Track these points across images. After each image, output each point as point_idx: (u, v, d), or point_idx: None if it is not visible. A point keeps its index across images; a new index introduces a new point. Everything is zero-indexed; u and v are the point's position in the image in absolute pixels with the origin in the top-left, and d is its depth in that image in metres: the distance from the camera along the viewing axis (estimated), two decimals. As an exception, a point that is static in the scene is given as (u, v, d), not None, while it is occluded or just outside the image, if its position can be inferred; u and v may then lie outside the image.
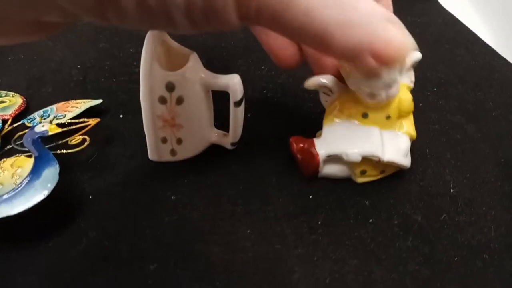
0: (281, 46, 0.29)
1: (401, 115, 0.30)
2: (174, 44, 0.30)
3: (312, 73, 0.30)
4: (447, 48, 0.45)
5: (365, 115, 0.30)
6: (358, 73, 0.27)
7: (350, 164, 0.31)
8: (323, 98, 0.32)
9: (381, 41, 0.22)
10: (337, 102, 0.31)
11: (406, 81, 0.31)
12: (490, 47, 0.45)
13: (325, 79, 0.30)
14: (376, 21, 0.23)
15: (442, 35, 0.46)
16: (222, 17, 0.20)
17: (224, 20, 0.20)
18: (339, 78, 0.30)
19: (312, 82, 0.30)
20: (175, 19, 0.20)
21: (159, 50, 0.29)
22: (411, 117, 0.31)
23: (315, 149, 0.30)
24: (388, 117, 0.30)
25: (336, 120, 0.30)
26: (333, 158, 0.30)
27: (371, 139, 0.30)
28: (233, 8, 0.20)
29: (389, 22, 0.23)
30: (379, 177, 0.32)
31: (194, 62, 0.29)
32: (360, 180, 0.31)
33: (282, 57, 0.30)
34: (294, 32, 0.22)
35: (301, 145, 0.31)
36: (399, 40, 0.23)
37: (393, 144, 0.30)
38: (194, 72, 0.29)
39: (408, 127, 0.31)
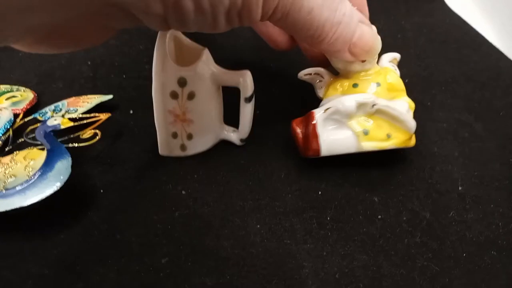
0: (276, 34, 0.34)
1: (392, 89, 0.31)
2: (186, 40, 0.31)
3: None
4: (454, 48, 0.45)
5: (355, 85, 0.31)
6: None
7: (351, 124, 0.30)
8: (317, 87, 0.34)
9: (357, 39, 0.28)
10: (330, 82, 0.33)
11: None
12: (496, 48, 0.45)
13: (314, 69, 0.33)
14: (355, 23, 0.28)
15: (449, 35, 0.46)
16: (251, 16, 0.23)
17: (252, 18, 0.24)
18: (325, 63, 0.33)
19: (305, 71, 0.33)
20: (218, 19, 0.23)
21: (171, 46, 0.30)
22: (406, 97, 0.32)
23: (313, 117, 0.30)
24: (378, 85, 0.31)
25: (331, 95, 0.32)
26: (333, 123, 0.30)
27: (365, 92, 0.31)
28: (261, 8, 0.23)
29: (362, 22, 0.29)
30: (386, 144, 0.30)
31: (206, 58, 0.30)
32: (366, 145, 0.30)
33: (279, 42, 0.35)
34: (297, 27, 0.26)
35: (300, 122, 0.32)
36: (370, 38, 0.29)
37: (388, 102, 0.31)
38: (206, 68, 0.30)
39: (405, 98, 0.32)
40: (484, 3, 0.52)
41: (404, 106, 0.31)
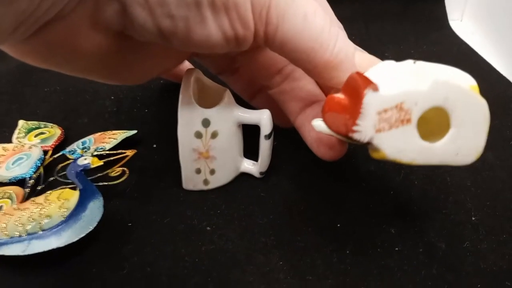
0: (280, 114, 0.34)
1: None
2: (208, 81, 0.32)
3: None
4: (464, 75, 0.46)
5: None
6: None
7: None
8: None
9: (360, 61, 0.26)
10: None
11: None
12: (504, 77, 0.46)
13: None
14: (352, 45, 0.27)
15: (457, 64, 0.47)
16: (240, 12, 0.23)
17: (243, 18, 0.23)
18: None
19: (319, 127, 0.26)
20: (204, 15, 0.22)
21: (195, 88, 0.31)
22: None
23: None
24: None
25: None
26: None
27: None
28: (249, 3, 0.23)
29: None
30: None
31: (228, 99, 0.31)
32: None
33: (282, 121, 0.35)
34: (296, 36, 0.24)
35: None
36: (371, 61, 0.27)
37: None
38: (228, 108, 0.31)
39: None
40: (492, 31, 0.53)
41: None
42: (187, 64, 0.39)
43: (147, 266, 0.29)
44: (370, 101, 0.22)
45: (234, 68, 0.37)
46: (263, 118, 0.31)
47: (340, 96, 0.23)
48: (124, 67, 0.28)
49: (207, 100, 0.31)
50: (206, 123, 0.31)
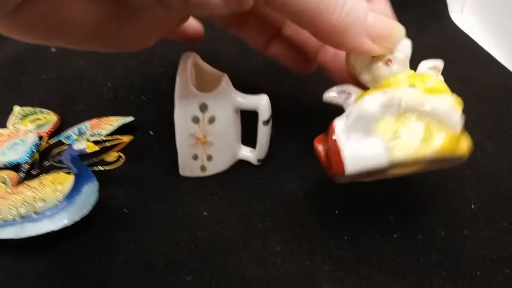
0: (295, 55, 0.33)
1: (432, 90, 0.25)
2: (206, 66, 0.32)
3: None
4: (464, 67, 0.46)
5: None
6: (361, 61, 0.27)
7: (379, 131, 0.24)
8: (346, 107, 0.28)
9: (373, 22, 0.24)
10: (359, 96, 0.28)
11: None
12: (506, 68, 0.46)
13: (339, 87, 0.28)
14: (364, 3, 0.25)
15: (458, 55, 0.48)
16: None
17: None
18: (349, 78, 0.29)
19: (329, 93, 0.28)
20: None
21: (192, 72, 0.31)
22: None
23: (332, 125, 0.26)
24: (412, 86, 0.25)
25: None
26: (357, 134, 0.24)
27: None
28: None
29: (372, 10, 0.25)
30: (423, 150, 0.24)
31: (226, 83, 0.31)
32: (398, 154, 0.24)
33: (299, 64, 0.34)
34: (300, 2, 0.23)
35: (321, 139, 0.27)
36: (388, 22, 0.25)
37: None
38: (226, 94, 0.31)
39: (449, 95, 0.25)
40: (492, 23, 0.53)
41: (445, 102, 0.24)
42: (192, 21, 0.36)
43: (143, 253, 0.29)
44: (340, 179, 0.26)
45: (243, 19, 0.34)
46: (261, 103, 0.31)
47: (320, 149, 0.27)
48: (121, 34, 0.25)
49: (205, 85, 0.31)
50: (203, 107, 0.30)
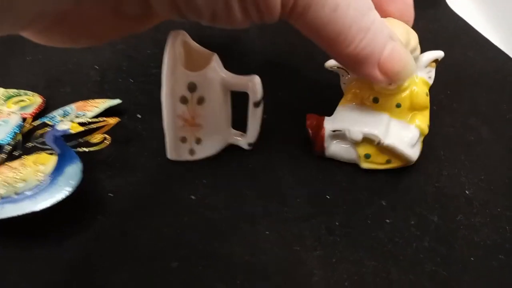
0: None
1: (414, 108, 0.31)
2: (195, 45, 0.31)
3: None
4: (460, 52, 0.45)
5: (375, 100, 0.31)
6: None
7: (355, 145, 0.31)
8: (342, 80, 0.34)
9: (388, 55, 0.26)
10: (352, 85, 0.32)
11: (424, 76, 0.32)
12: (502, 51, 0.45)
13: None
14: (386, 36, 0.25)
15: (454, 40, 0.47)
16: (269, 2, 0.22)
17: (270, 6, 0.22)
18: None
19: (331, 62, 0.32)
20: (230, 3, 0.22)
21: (181, 51, 0.30)
22: (426, 113, 0.32)
23: (323, 124, 0.32)
24: (398, 106, 0.31)
25: (350, 103, 0.32)
26: (340, 138, 0.32)
27: (377, 121, 0.31)
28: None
29: (392, 39, 0.26)
30: (384, 167, 0.32)
31: (215, 63, 0.30)
32: (364, 165, 0.32)
33: None
34: (320, 26, 0.24)
35: (313, 121, 0.32)
36: (403, 57, 0.26)
37: (399, 131, 0.31)
38: (216, 73, 0.30)
39: (420, 121, 0.31)
40: (488, 7, 0.52)
41: (412, 133, 0.31)
42: None
43: (127, 239, 0.28)
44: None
45: None
46: (252, 84, 0.30)
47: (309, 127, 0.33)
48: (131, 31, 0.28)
49: (194, 66, 0.30)
50: (192, 87, 0.29)
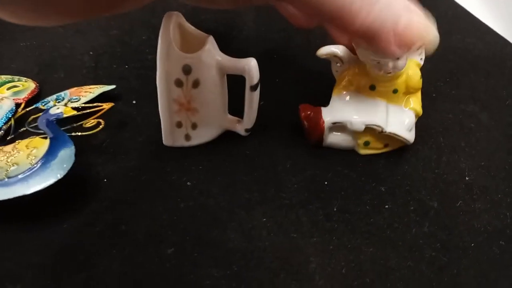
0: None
1: (408, 91, 0.31)
2: (190, 27, 0.30)
3: (324, 44, 0.31)
4: (458, 38, 0.45)
5: (372, 87, 0.31)
6: (367, 60, 0.29)
7: (354, 134, 0.31)
8: (334, 67, 0.33)
9: (404, 27, 0.23)
10: (346, 73, 0.31)
11: (416, 58, 0.31)
12: (501, 36, 0.45)
13: (336, 49, 0.31)
14: (400, 8, 0.23)
15: (453, 26, 0.46)
16: None
17: None
18: (351, 49, 0.30)
19: (324, 50, 0.31)
20: None
21: (176, 34, 0.29)
22: (419, 94, 0.32)
23: (321, 116, 0.31)
24: (395, 91, 0.31)
25: (344, 91, 0.31)
26: (338, 127, 0.31)
27: (376, 110, 0.31)
28: None
29: (409, 10, 0.24)
30: (382, 150, 0.32)
31: (211, 45, 0.29)
32: (363, 151, 0.32)
33: (300, 19, 0.30)
34: (317, 4, 0.22)
35: (308, 112, 0.32)
36: (420, 26, 0.24)
37: (398, 117, 0.31)
38: (211, 55, 0.29)
39: (414, 103, 0.31)
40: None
41: (410, 118, 0.31)
42: None
43: (122, 224, 0.28)
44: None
45: None
46: (249, 66, 0.29)
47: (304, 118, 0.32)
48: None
49: (189, 48, 0.29)
50: (187, 69, 0.29)
